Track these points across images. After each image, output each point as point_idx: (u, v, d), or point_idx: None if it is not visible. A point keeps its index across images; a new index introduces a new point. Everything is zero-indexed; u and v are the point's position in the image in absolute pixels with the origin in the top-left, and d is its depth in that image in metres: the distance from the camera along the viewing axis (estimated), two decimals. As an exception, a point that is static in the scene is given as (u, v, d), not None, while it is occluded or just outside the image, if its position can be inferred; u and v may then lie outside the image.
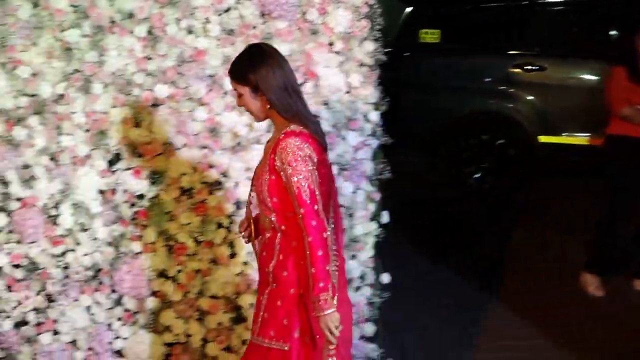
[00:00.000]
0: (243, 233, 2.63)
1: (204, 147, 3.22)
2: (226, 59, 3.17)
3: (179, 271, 3.24)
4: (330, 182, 2.50)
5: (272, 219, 2.44)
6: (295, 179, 2.32)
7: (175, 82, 3.18)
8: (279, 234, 2.44)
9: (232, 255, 3.26)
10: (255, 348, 2.48)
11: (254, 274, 3.24)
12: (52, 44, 3.11)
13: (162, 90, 3.16)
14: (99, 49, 3.13)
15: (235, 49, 3.16)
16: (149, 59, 3.17)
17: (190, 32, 3.17)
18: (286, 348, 2.41)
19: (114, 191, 3.19)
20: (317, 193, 2.32)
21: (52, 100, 3.12)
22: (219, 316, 3.26)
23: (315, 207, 2.31)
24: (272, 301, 2.45)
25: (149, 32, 3.15)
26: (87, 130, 3.15)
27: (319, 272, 2.29)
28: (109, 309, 3.24)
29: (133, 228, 3.21)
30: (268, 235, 2.48)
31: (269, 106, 2.41)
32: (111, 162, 3.19)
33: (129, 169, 3.18)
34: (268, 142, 2.53)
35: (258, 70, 2.39)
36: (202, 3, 3.15)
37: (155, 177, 3.19)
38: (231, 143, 3.22)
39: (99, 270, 3.22)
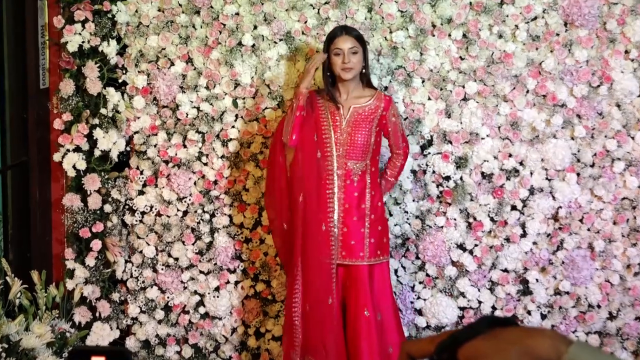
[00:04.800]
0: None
1: (505, 138, 3.66)
2: (530, 61, 3.60)
3: (476, 245, 3.70)
4: None
5: (367, 162, 3.23)
6: (401, 126, 3.39)
7: (483, 80, 3.64)
8: (368, 176, 3.23)
9: (523, 235, 3.68)
10: (361, 269, 3.22)
11: (540, 253, 3.66)
12: (381, 43, 3.65)
13: (472, 87, 3.63)
14: (420, 49, 3.64)
15: (538, 54, 3.59)
16: (462, 59, 3.65)
17: (500, 36, 3.62)
18: (386, 259, 3.30)
19: (424, 172, 3.69)
20: None
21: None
22: (508, 287, 3.69)
23: None
24: (374, 228, 3.23)
25: (464, 36, 3.63)
26: (406, 119, 3.66)
27: None
28: (413, 273, 3.75)
29: (438, 205, 3.70)
30: (356, 179, 3.23)
31: (363, 71, 3.27)
32: (423, 147, 3.70)
33: (438, 153, 3.67)
34: (339, 101, 3.32)
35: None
36: (512, 12, 3.59)
37: (461, 161, 3.66)
38: (529, 136, 3.64)
39: (407, 239, 3.73)
